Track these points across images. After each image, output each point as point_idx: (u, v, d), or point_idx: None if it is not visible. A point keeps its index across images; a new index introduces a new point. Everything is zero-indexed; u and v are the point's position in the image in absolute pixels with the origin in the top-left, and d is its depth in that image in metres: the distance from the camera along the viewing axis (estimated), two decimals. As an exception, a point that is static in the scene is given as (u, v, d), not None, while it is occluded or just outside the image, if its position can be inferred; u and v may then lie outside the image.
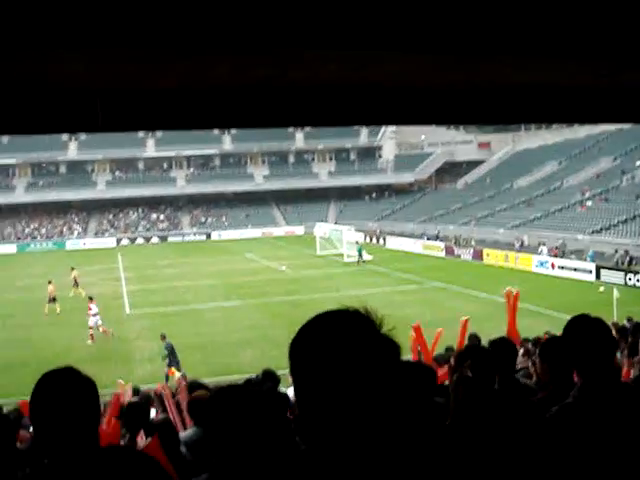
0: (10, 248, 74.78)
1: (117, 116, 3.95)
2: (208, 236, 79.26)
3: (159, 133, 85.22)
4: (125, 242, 77.69)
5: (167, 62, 3.18)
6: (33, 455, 4.71)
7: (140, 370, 20.83)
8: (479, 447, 2.97)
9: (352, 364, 1.49)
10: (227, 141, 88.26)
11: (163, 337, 21.23)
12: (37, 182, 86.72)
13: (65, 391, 2.38)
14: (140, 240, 78.70)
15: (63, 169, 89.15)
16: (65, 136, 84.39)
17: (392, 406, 1.55)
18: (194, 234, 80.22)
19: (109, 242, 77.20)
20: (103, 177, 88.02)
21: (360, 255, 46.84)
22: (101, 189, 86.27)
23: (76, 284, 37.30)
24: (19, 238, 79.22)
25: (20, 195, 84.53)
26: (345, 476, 1.48)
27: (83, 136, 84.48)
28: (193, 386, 8.22)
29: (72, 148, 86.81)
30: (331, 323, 1.57)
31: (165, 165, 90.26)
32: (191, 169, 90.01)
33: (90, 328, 26.36)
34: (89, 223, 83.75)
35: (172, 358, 20.40)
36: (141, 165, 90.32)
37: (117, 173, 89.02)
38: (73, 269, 38.22)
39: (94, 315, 26.86)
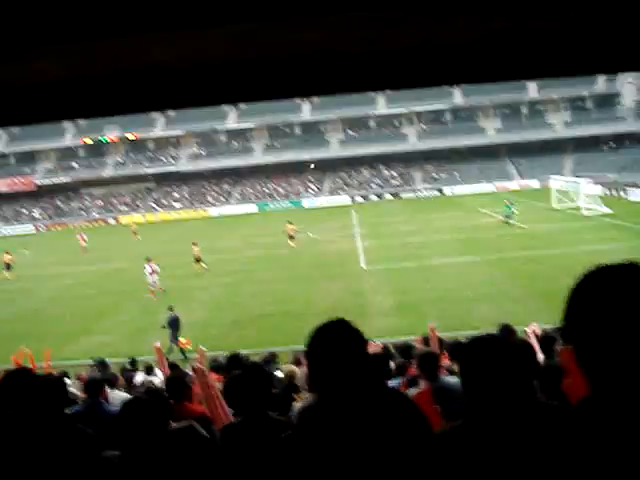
0: (251, 208, 79.14)
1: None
2: (440, 191, 78.72)
3: (390, 91, 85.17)
4: (359, 200, 79.01)
5: None
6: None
7: (377, 323, 20.79)
8: None
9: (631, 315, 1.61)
10: (457, 95, 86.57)
11: (170, 309, 21.36)
12: (274, 144, 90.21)
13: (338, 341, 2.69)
14: (373, 197, 79.66)
15: (298, 131, 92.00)
16: (297, 99, 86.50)
17: None
18: (426, 190, 79.89)
19: (343, 200, 78.99)
20: (336, 136, 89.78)
21: (509, 215, 43.75)
22: (334, 148, 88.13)
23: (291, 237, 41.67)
24: (259, 198, 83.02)
25: (258, 157, 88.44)
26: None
27: (316, 98, 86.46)
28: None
29: (305, 110, 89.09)
30: (611, 276, 1.68)
31: (396, 122, 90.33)
32: (422, 125, 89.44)
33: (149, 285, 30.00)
34: (324, 182, 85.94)
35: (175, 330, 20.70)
36: (372, 123, 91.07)
37: (349, 132, 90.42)
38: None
39: (152, 274, 29.92)
